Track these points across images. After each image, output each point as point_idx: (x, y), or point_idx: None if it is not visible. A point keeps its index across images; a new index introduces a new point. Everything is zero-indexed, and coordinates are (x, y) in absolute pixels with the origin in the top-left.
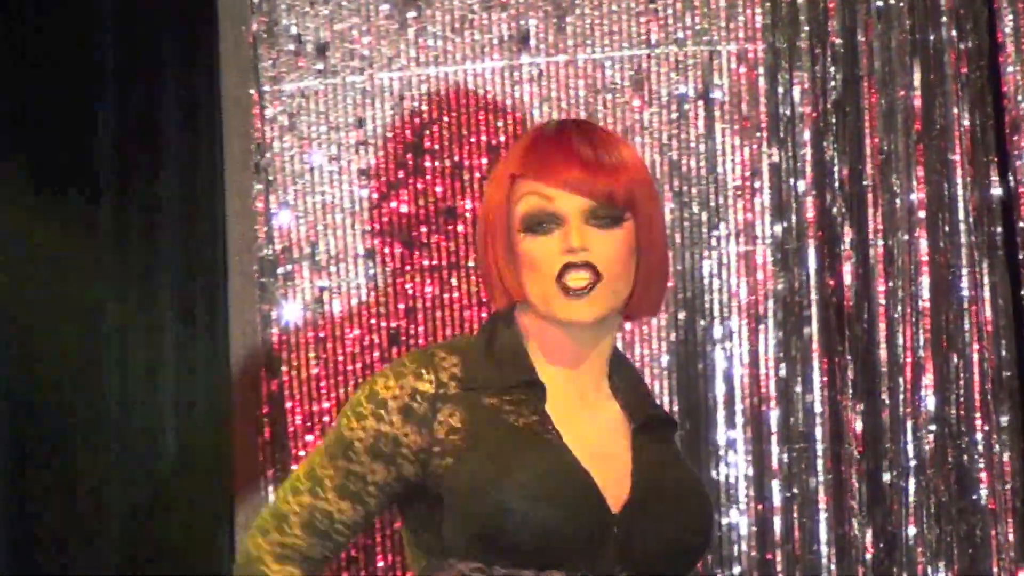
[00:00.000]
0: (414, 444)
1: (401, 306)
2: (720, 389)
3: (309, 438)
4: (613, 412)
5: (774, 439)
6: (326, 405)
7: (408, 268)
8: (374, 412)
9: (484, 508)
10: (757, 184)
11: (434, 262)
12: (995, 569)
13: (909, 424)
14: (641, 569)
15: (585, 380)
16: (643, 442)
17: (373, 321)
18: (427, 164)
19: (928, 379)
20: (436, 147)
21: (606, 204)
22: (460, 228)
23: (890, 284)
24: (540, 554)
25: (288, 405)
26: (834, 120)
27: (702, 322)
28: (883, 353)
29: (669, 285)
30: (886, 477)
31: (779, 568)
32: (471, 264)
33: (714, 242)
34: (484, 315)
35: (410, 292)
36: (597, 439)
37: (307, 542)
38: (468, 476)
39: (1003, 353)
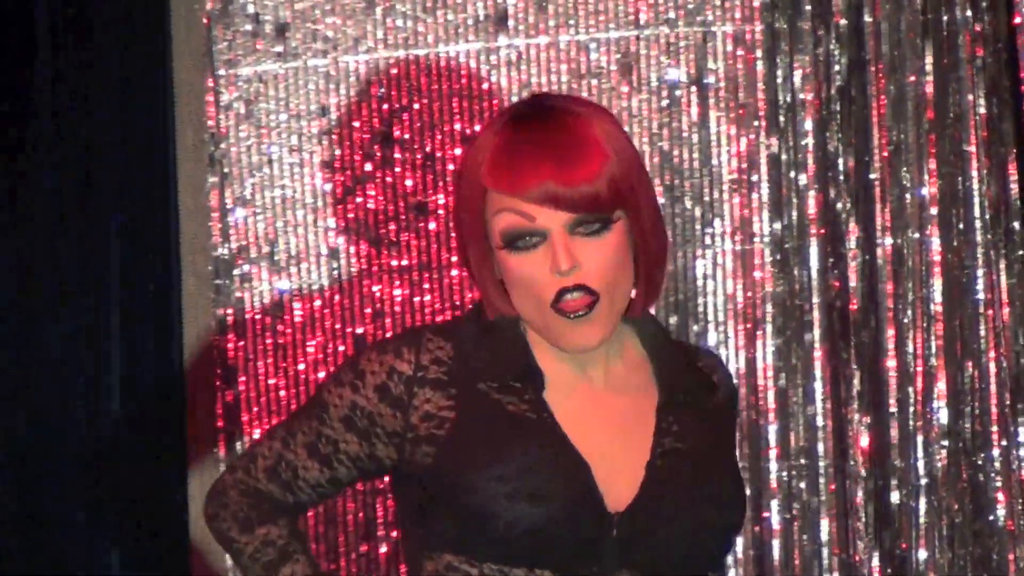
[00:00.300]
0: (389, 426)
1: (368, 310)
2: None
3: None
4: (637, 387)
5: (772, 455)
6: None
7: (375, 269)
8: (352, 382)
9: (468, 501)
10: (755, 177)
11: (404, 262)
12: None
13: (920, 439)
14: (649, 573)
15: (594, 362)
16: (668, 423)
17: (337, 326)
18: (396, 156)
19: (940, 389)
20: (406, 137)
21: (592, 212)
22: (432, 225)
23: (899, 286)
24: (530, 552)
25: (245, 418)
26: (838, 108)
27: (695, 327)
28: (891, 361)
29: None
30: (895, 497)
31: None
32: (443, 264)
33: (708, 240)
34: None
35: (377, 295)
36: (608, 428)
37: (267, 487)
38: (451, 466)
39: (1022, 361)
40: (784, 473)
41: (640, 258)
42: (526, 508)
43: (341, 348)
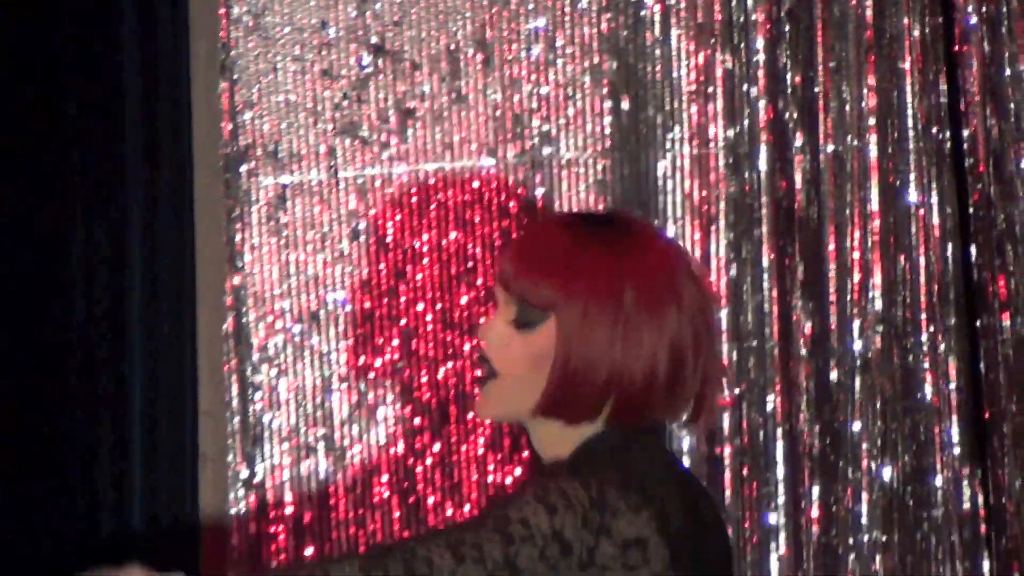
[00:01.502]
0: None
1: (359, 205)
2: None
3: (268, 333)
4: None
5: (724, 337)
6: (287, 304)
7: (368, 169)
8: None
9: None
10: (711, 89)
11: (395, 165)
12: (938, 465)
13: (856, 324)
14: None
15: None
16: None
17: (334, 216)
18: (388, 65)
19: (876, 281)
20: (396, 48)
21: (522, 305)
22: (419, 131)
23: (840, 188)
24: None
25: (250, 302)
26: (787, 28)
27: (656, 222)
28: (832, 255)
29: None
30: (834, 375)
31: (727, 460)
32: (423, 162)
33: (669, 145)
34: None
35: (369, 192)
36: None
37: None
38: None
39: (949, 256)
40: (735, 353)
41: (557, 365)
42: None
43: (336, 237)
